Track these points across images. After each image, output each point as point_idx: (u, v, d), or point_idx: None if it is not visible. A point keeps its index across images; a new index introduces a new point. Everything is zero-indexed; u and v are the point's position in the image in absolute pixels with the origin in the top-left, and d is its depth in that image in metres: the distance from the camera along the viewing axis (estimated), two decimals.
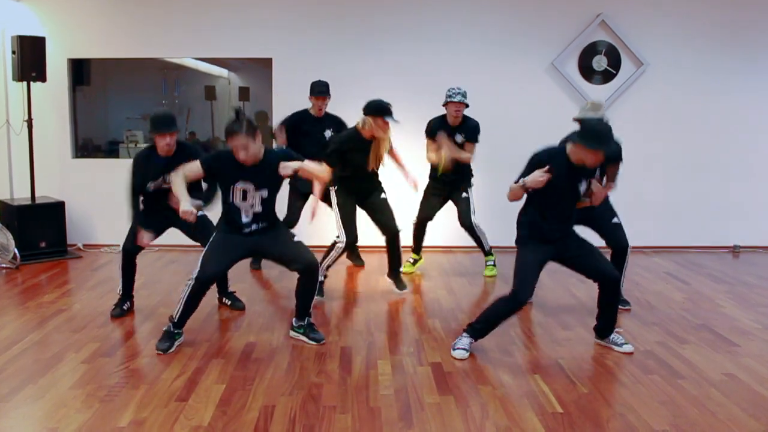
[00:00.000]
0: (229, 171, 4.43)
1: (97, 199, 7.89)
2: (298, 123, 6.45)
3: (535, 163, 4.29)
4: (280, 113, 7.82)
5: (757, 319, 5.32)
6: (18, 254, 6.86)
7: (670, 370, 4.24)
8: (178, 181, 4.41)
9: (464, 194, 6.41)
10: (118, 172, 7.90)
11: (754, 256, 7.81)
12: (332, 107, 6.59)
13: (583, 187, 4.37)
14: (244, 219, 4.50)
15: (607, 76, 7.85)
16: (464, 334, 4.54)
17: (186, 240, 7.73)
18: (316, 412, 3.58)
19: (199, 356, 4.40)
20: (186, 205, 4.28)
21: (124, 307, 5.35)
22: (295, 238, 4.65)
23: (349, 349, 4.58)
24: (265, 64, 7.86)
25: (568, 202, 4.39)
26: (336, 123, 6.48)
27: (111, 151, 9.04)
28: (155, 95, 10.00)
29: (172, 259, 7.31)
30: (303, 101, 6.51)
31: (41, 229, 7.19)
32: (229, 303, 5.56)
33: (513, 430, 3.41)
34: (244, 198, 4.46)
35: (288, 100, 7.65)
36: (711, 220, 7.97)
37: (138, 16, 7.70)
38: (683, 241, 7.90)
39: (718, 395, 3.85)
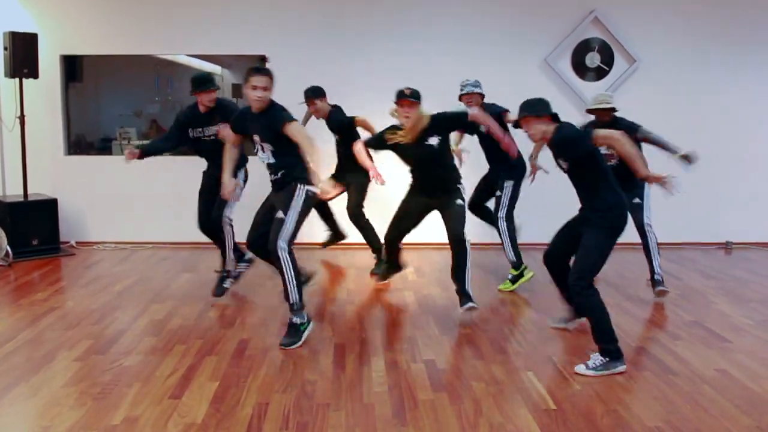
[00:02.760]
0: (247, 124, 4.74)
1: (90, 196, 7.88)
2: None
3: None
4: None
5: (749, 315, 5.34)
6: (10, 251, 6.84)
7: (662, 366, 4.26)
8: (226, 155, 5.04)
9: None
10: (111, 168, 7.93)
11: (746, 252, 7.84)
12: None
13: (565, 165, 4.33)
14: (268, 171, 4.77)
15: (600, 73, 7.87)
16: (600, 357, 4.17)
17: (178, 237, 7.75)
18: (309, 409, 3.59)
19: (192, 353, 4.39)
20: (226, 178, 5.00)
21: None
22: (279, 214, 4.57)
23: (343, 346, 4.58)
24: (259, 61, 7.84)
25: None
26: (340, 122, 6.39)
27: (104, 147, 9.01)
28: (148, 92, 9.97)
29: (165, 256, 7.30)
30: (297, 98, 6.50)
31: (34, 226, 7.17)
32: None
33: (506, 426, 3.42)
34: (263, 150, 4.70)
35: (282, 97, 7.60)
36: (703, 217, 8.00)
37: (131, 12, 7.68)
38: (675, 237, 7.91)
39: (710, 391, 3.87)
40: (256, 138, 4.71)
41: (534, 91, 7.74)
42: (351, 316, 5.27)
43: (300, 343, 4.52)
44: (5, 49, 7.02)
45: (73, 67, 8.12)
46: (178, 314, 5.24)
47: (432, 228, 5.63)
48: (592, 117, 5.63)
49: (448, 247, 5.17)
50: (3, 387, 3.83)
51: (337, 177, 6.44)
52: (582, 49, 7.81)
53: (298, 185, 4.63)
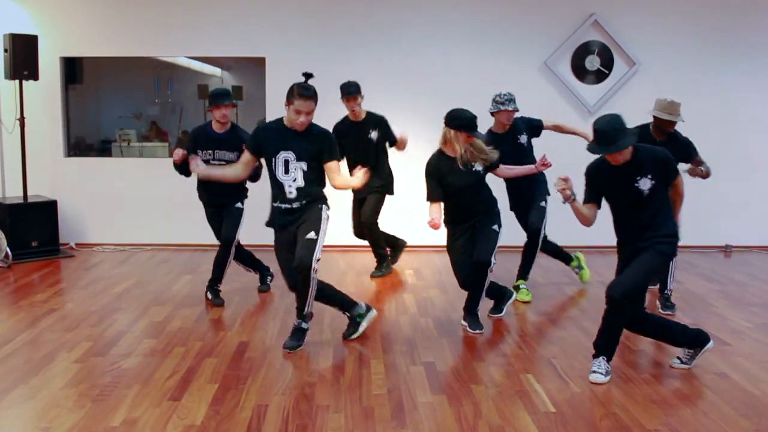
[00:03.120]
0: (278, 140, 4.46)
1: (90, 197, 7.88)
2: (340, 132, 6.05)
3: (586, 174, 4.25)
4: (273, 112, 7.82)
5: (749, 319, 5.34)
6: (10, 253, 6.84)
7: (662, 369, 4.26)
8: (228, 170, 4.93)
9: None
10: (110, 170, 7.94)
11: (745, 255, 7.84)
12: (327, 107, 6.56)
13: (646, 186, 4.00)
14: (287, 198, 4.48)
15: (599, 76, 7.87)
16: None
17: (178, 239, 7.76)
18: (309, 412, 3.58)
19: (192, 355, 4.39)
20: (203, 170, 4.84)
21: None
22: (310, 234, 4.38)
23: (342, 348, 4.58)
24: (259, 63, 7.85)
25: (631, 203, 4.08)
26: (379, 122, 6.29)
27: (103, 149, 9.02)
28: (148, 94, 9.99)
29: (165, 258, 7.30)
30: None
31: (33, 228, 7.17)
32: (210, 297, 5.64)
33: (506, 429, 3.42)
34: (285, 171, 4.44)
35: (281, 99, 7.62)
36: (703, 220, 7.99)
37: (131, 14, 7.69)
38: None
39: (709, 394, 3.87)
40: (289, 156, 4.42)
41: (534, 94, 7.82)
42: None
43: (302, 345, 4.53)
44: (5, 50, 7.02)
45: (73, 68, 8.12)
46: (177, 316, 5.24)
47: (431, 231, 5.62)
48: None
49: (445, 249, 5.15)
50: (2, 389, 3.83)
51: (359, 197, 6.44)
52: (582, 52, 7.82)
53: (323, 207, 4.51)
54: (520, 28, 7.77)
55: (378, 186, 6.29)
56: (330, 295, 4.70)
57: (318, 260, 4.36)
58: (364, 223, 6.43)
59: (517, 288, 5.82)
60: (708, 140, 7.88)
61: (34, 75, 7.15)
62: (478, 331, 4.94)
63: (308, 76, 4.44)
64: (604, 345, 4.11)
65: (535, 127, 5.95)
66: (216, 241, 5.71)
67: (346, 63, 7.69)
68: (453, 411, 3.62)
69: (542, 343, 4.73)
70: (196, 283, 6.21)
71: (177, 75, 9.91)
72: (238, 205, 5.59)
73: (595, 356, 4.12)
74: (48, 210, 7.32)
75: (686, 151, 5.51)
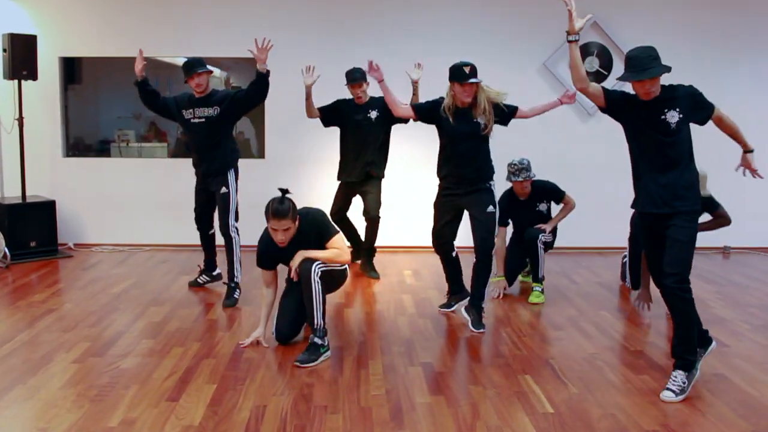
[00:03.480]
0: (277, 255, 4.53)
1: (88, 198, 7.88)
2: (336, 111, 6.48)
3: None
4: (271, 112, 7.84)
5: (747, 320, 5.35)
6: (8, 253, 6.84)
7: (660, 370, 4.25)
8: (262, 301, 4.74)
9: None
10: (109, 171, 7.95)
11: (744, 257, 7.85)
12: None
13: (674, 119, 3.95)
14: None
15: (599, 77, 7.87)
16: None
17: (177, 239, 7.76)
18: (307, 412, 3.58)
19: (190, 356, 4.39)
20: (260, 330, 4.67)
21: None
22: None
23: (341, 349, 4.58)
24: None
25: (657, 141, 3.97)
26: (381, 103, 6.20)
27: (102, 150, 9.00)
28: None
29: (163, 259, 7.30)
30: (294, 100, 6.50)
31: (32, 228, 7.17)
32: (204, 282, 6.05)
33: (504, 430, 3.42)
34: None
35: (279, 99, 7.64)
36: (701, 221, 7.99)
37: (130, 14, 7.69)
38: None
39: (707, 395, 3.87)
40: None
41: (532, 95, 7.80)
42: (348, 320, 5.27)
43: (316, 364, 4.30)
44: (4, 50, 7.02)
45: (72, 69, 8.12)
46: (176, 317, 5.24)
47: (429, 231, 5.61)
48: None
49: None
50: (0, 389, 3.82)
51: (353, 170, 6.46)
52: (581, 54, 7.80)
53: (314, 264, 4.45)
54: (519, 30, 7.78)
55: (378, 175, 6.44)
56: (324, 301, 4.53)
57: (322, 274, 4.35)
58: (373, 217, 6.47)
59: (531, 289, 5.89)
60: (706, 141, 7.89)
61: (33, 75, 7.15)
62: (480, 330, 4.94)
63: (284, 192, 4.36)
64: (681, 349, 3.83)
65: (554, 194, 6.02)
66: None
67: (344, 64, 7.66)
68: (451, 412, 3.62)
69: (540, 344, 4.73)
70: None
71: (176, 75, 9.87)
72: (224, 189, 5.64)
73: (674, 367, 3.86)
74: (46, 210, 7.32)
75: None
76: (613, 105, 4.07)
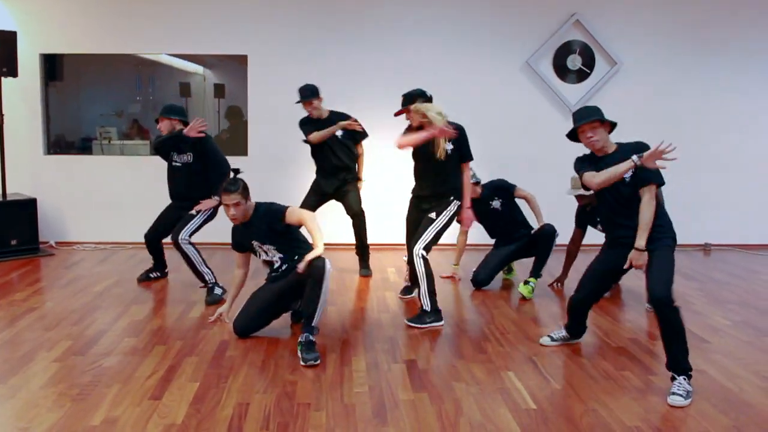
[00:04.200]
0: (243, 238, 4.78)
1: (70, 196, 7.83)
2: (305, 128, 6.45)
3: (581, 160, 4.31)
4: (255, 110, 7.81)
5: (727, 316, 5.39)
6: None
7: (641, 366, 4.29)
8: (233, 280, 5.01)
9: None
10: (91, 168, 7.89)
11: (724, 254, 7.92)
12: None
13: (627, 174, 4.00)
14: (276, 267, 4.79)
15: (581, 75, 7.91)
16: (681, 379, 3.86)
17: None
18: (290, 410, 3.58)
19: (172, 354, 4.37)
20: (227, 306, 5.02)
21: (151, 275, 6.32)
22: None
23: (324, 346, 4.57)
24: (241, 61, 7.83)
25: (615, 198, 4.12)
26: (341, 120, 6.37)
27: (84, 147, 8.96)
28: (129, 91, 9.93)
29: (146, 257, 7.23)
30: (278, 99, 6.50)
31: (12, 226, 7.12)
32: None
33: (486, 426, 3.43)
34: (266, 253, 4.76)
35: (263, 97, 7.63)
36: (682, 219, 8.00)
37: (112, 11, 7.64)
38: None
39: None
40: (256, 244, 4.74)
41: (516, 93, 7.85)
42: (332, 317, 5.27)
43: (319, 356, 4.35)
44: None
45: (53, 65, 8.06)
46: (158, 315, 5.22)
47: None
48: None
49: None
50: None
51: (330, 186, 6.48)
52: (563, 52, 7.86)
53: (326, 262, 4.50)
54: (502, 28, 7.80)
55: (351, 177, 6.51)
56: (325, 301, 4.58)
57: (331, 271, 4.47)
58: (357, 214, 6.51)
59: (526, 282, 5.99)
60: (687, 139, 7.97)
61: (13, 72, 7.08)
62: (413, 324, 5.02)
63: (236, 171, 4.71)
64: (678, 360, 3.85)
65: (503, 190, 6.22)
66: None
67: (328, 61, 7.69)
68: (434, 408, 3.63)
69: (523, 341, 4.75)
70: (177, 282, 6.20)
71: (159, 73, 9.86)
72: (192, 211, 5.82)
73: (674, 378, 3.85)
74: (27, 208, 7.27)
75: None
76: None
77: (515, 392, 3.85)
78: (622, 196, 4.08)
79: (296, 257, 4.62)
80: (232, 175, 4.69)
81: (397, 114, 5.31)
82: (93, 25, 7.66)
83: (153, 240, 6.14)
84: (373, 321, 5.19)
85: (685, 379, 3.82)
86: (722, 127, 8.10)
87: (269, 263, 4.83)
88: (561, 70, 7.88)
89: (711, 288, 6.29)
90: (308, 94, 6.30)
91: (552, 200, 6.66)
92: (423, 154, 5.20)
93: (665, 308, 3.79)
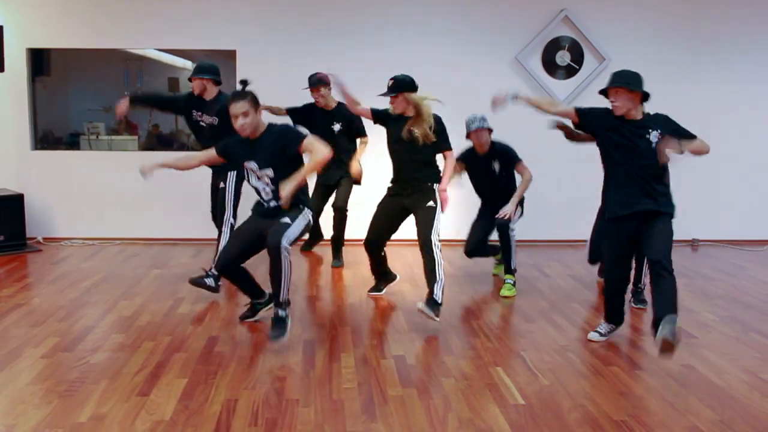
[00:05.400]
0: (240, 151, 4.62)
1: (58, 191, 7.79)
2: (305, 114, 6.50)
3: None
4: None
5: (715, 312, 5.42)
6: None
7: (629, 361, 4.31)
8: (191, 158, 4.99)
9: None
10: (79, 164, 7.85)
11: (712, 249, 7.96)
12: (300, 101, 6.59)
13: (655, 138, 4.35)
14: (264, 197, 4.65)
15: (570, 71, 7.92)
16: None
17: (148, 233, 7.71)
18: (278, 406, 3.58)
19: (161, 350, 4.36)
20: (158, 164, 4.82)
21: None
22: (285, 219, 4.45)
23: (312, 342, 4.57)
24: (229, 56, 7.80)
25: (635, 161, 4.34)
26: (346, 117, 6.40)
27: (72, 143, 8.90)
28: (117, 86, 9.85)
29: (134, 252, 7.23)
30: (266, 94, 6.43)
31: (0, 222, 7.07)
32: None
33: (475, 422, 3.44)
34: (258, 178, 4.59)
35: (257, 87, 7.59)
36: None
37: (100, 5, 7.60)
38: None
39: (675, 386, 3.92)
40: (252, 165, 4.57)
41: (505, 89, 7.81)
42: (320, 313, 5.27)
43: (288, 333, 4.48)
44: None
45: (40, 60, 8.00)
46: (146, 311, 5.20)
47: (402, 225, 5.62)
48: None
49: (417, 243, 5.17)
50: None
51: (327, 174, 6.51)
52: (552, 48, 7.87)
53: (305, 210, 4.57)
54: (491, 24, 7.80)
55: (347, 173, 6.54)
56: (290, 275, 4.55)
57: (290, 244, 4.39)
58: (340, 209, 6.55)
59: (505, 283, 5.94)
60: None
61: None
62: (429, 314, 4.87)
63: (244, 83, 4.59)
64: (666, 309, 4.06)
65: (507, 157, 6.04)
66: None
67: (317, 57, 7.66)
68: (423, 404, 3.63)
69: (512, 337, 4.77)
70: (166, 278, 6.18)
71: (147, 68, 9.78)
72: (222, 185, 5.75)
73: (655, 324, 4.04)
74: (15, 204, 7.23)
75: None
76: (597, 124, 4.58)
77: (504, 388, 3.86)
78: (643, 165, 4.32)
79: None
80: (239, 87, 4.56)
81: (383, 95, 5.21)
82: (80, 20, 7.61)
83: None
84: (361, 317, 5.19)
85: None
86: (711, 123, 8.10)
87: (255, 190, 4.67)
88: (550, 65, 7.89)
89: (699, 284, 6.32)
90: (315, 81, 6.33)
91: (537, 195, 6.67)
92: (397, 143, 5.22)
93: (663, 271, 4.13)
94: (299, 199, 4.57)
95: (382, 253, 5.64)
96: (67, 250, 7.34)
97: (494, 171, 6.03)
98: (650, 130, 4.33)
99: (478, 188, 6.21)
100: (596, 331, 4.72)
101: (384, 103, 5.30)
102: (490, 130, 5.93)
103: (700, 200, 8.21)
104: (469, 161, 6.03)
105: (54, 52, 8.21)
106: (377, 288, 5.82)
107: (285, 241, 4.34)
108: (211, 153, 4.80)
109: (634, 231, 4.40)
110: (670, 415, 3.54)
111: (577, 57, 7.88)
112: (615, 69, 7.78)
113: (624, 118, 4.37)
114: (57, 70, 8.77)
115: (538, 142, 7.59)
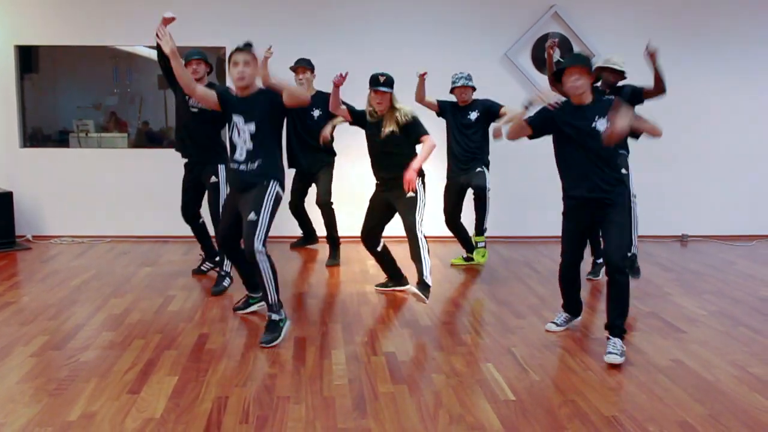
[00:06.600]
0: (233, 102, 4.61)
1: (47, 189, 7.76)
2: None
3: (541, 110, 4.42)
4: None
5: (703, 306, 5.45)
6: None
7: None
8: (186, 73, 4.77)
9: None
10: (68, 161, 7.82)
11: (700, 245, 7.99)
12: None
13: (602, 126, 4.24)
14: (237, 155, 4.57)
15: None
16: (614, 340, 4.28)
17: (138, 231, 7.68)
18: (269, 403, 3.58)
19: (151, 348, 4.35)
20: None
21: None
22: (251, 216, 4.42)
23: (303, 339, 4.57)
24: (219, 53, 7.78)
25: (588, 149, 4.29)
26: (324, 102, 6.23)
27: (61, 140, 8.86)
28: (106, 84, 9.81)
29: (124, 250, 7.21)
30: None
31: None
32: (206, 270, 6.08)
33: (466, 417, 3.45)
34: (238, 133, 4.55)
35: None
36: (660, 210, 8.12)
37: (88, 2, 7.57)
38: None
39: (665, 380, 3.94)
40: (239, 119, 4.52)
41: (494, 85, 7.84)
42: (311, 310, 5.27)
43: (280, 339, 4.46)
44: None
45: (28, 57, 7.96)
46: (137, 309, 5.19)
47: (392, 221, 5.63)
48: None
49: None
50: None
51: (305, 163, 6.56)
52: (542, 44, 7.86)
53: (271, 182, 4.54)
54: (481, 20, 7.81)
55: (327, 162, 6.59)
56: (274, 276, 4.55)
57: (264, 241, 4.39)
58: (324, 204, 6.55)
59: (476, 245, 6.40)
60: (664, 130, 8.01)
61: None
62: (419, 295, 4.93)
63: (248, 45, 4.59)
64: (617, 323, 4.25)
65: (485, 106, 6.38)
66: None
67: (306, 53, 7.64)
68: (413, 400, 3.64)
69: (502, 333, 4.78)
70: (156, 275, 6.16)
71: (136, 65, 9.75)
72: (213, 179, 5.68)
73: (609, 338, 4.26)
74: (3, 201, 7.20)
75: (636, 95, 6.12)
76: (549, 122, 4.47)
77: (494, 383, 3.87)
78: (594, 149, 4.27)
79: (258, 167, 4.51)
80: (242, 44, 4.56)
81: (378, 88, 5.22)
82: (69, 17, 7.58)
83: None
84: (352, 313, 5.19)
85: (619, 339, 4.21)
86: (700, 119, 8.15)
87: (232, 146, 4.63)
88: (540, 62, 7.89)
89: (687, 278, 6.35)
90: (302, 62, 6.44)
91: (525, 191, 6.68)
92: (375, 143, 5.32)
93: (617, 274, 4.19)
94: (268, 167, 4.54)
95: (389, 253, 5.70)
96: (56, 248, 7.31)
97: (470, 119, 6.32)
98: (598, 117, 4.26)
99: (450, 141, 6.47)
100: (553, 322, 4.85)
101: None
102: (473, 89, 6.31)
103: (689, 196, 8.25)
104: (447, 110, 6.43)
105: (42, 49, 8.17)
106: (385, 284, 5.86)
107: (258, 244, 4.35)
108: (209, 92, 4.70)
109: (588, 217, 4.42)
110: (659, 410, 3.55)
111: (567, 53, 7.88)
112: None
113: (574, 106, 4.33)
114: (46, 68, 8.73)
115: (527, 141, 7.60)
